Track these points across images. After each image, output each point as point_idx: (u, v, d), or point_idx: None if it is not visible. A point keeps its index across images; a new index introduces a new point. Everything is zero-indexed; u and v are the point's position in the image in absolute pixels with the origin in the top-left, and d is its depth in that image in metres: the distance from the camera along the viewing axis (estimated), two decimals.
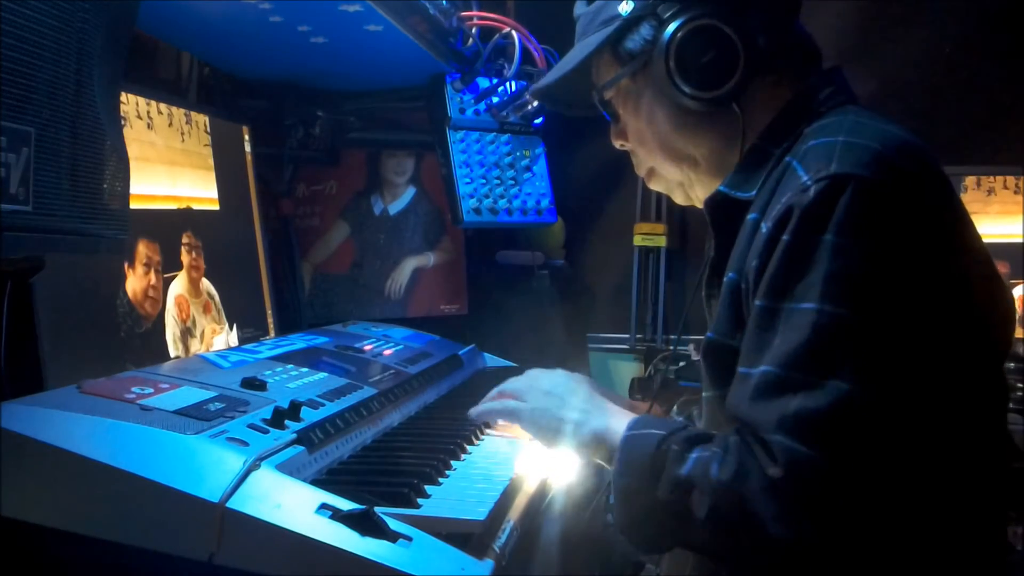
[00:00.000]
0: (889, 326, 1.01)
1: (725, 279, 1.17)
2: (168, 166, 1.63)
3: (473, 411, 1.43)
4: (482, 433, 1.50)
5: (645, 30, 1.25)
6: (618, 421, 1.21)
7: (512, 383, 1.40)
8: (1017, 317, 2.62)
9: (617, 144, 1.40)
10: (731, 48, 1.19)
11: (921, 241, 1.04)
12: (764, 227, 1.09)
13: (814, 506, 0.98)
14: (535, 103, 2.07)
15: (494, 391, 1.43)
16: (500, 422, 1.45)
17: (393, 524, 0.95)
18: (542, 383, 1.36)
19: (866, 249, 1.01)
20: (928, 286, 1.04)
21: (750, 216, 1.16)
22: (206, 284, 1.70)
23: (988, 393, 1.13)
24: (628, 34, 1.26)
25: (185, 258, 1.64)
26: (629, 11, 1.25)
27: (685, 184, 1.34)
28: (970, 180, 2.64)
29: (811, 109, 1.21)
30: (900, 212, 1.04)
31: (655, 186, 1.40)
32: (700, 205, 1.33)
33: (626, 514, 1.12)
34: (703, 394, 1.24)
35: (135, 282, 1.47)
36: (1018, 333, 2.56)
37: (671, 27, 1.21)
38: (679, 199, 1.38)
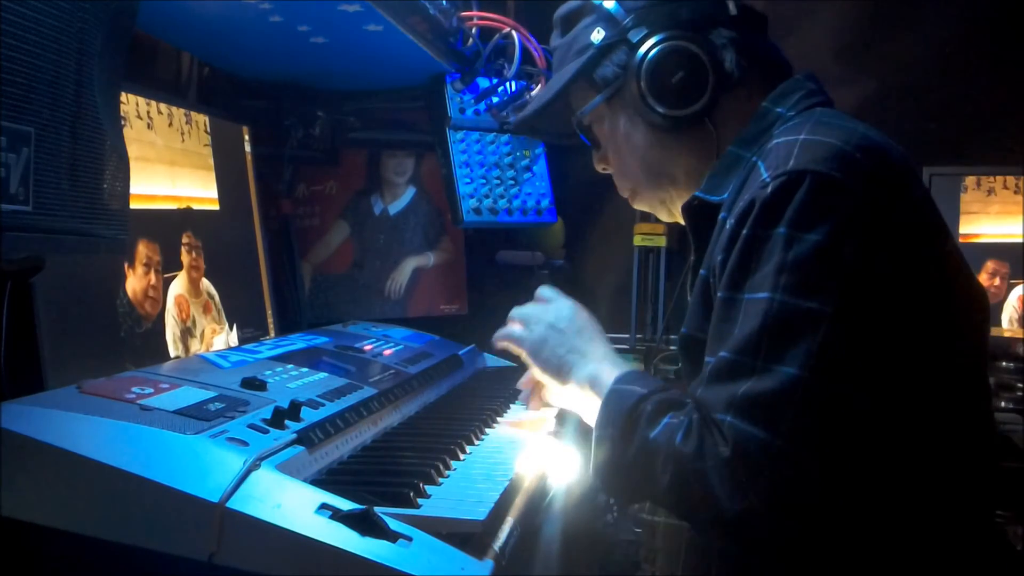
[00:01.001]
0: (839, 315, 1.03)
1: (698, 276, 1.22)
2: (168, 166, 1.63)
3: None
4: (482, 433, 1.50)
5: (618, 56, 1.30)
6: (610, 371, 1.25)
7: (521, 310, 1.42)
8: (1017, 316, 2.63)
9: (599, 168, 1.45)
10: (700, 67, 1.25)
11: (876, 234, 1.06)
12: (728, 223, 1.13)
13: (761, 484, 1.01)
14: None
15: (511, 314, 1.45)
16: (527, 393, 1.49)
17: (393, 524, 0.95)
18: (549, 314, 1.38)
19: (817, 240, 1.04)
20: (883, 278, 1.06)
21: (720, 215, 1.20)
22: (206, 284, 1.70)
23: (962, 387, 1.14)
24: (602, 61, 1.31)
25: (185, 258, 1.64)
26: (601, 39, 1.30)
27: (667, 201, 1.38)
28: (970, 180, 2.64)
29: (780, 114, 1.24)
30: (854, 205, 1.06)
31: (639, 206, 1.44)
32: (683, 221, 1.35)
33: (601, 462, 1.18)
34: (687, 389, 1.25)
35: (135, 282, 1.47)
36: (1018, 333, 2.56)
37: (641, 51, 1.26)
38: (663, 216, 1.43)
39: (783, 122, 1.22)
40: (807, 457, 1.01)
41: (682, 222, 1.35)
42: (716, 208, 1.23)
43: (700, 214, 1.27)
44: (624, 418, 1.14)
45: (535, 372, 1.39)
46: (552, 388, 1.38)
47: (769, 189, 1.07)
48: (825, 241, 1.04)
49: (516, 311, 1.43)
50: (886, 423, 1.06)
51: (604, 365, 1.28)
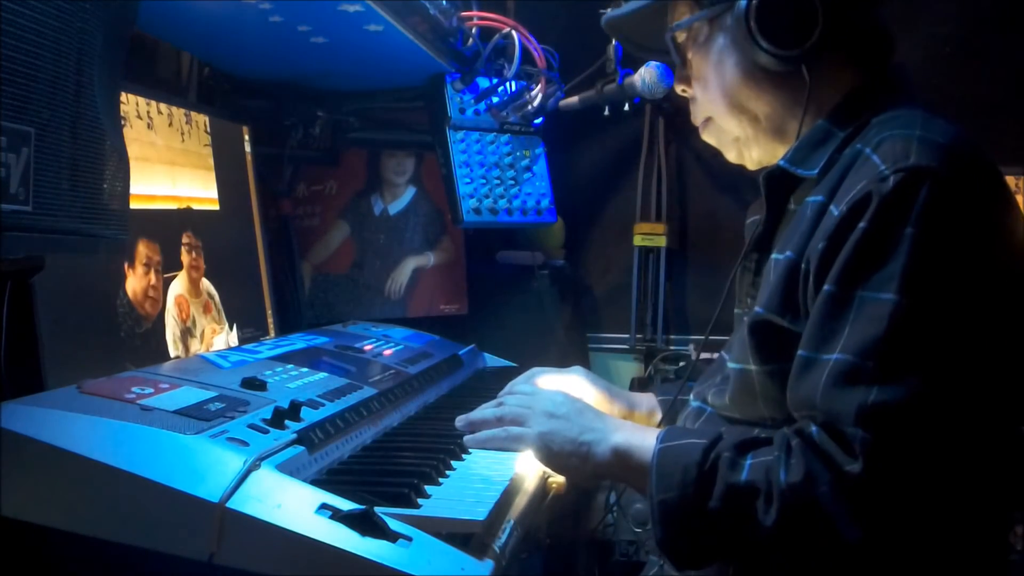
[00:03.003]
0: (962, 322, 1.02)
1: (778, 257, 1.18)
2: (168, 166, 1.63)
3: (470, 439, 1.35)
4: None
5: None
6: (641, 435, 1.21)
7: (510, 408, 1.35)
8: None
9: (679, 89, 1.39)
10: (812, 12, 1.19)
11: (988, 238, 1.06)
12: (835, 210, 1.09)
13: (892, 502, 0.99)
14: (535, 103, 2.08)
15: (488, 412, 1.38)
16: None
17: (393, 524, 0.95)
18: (543, 404, 1.32)
19: (945, 244, 1.03)
20: (993, 282, 1.05)
21: (813, 198, 1.17)
22: (206, 284, 1.70)
23: (1016, 390, 1.13)
24: None
25: (185, 258, 1.64)
26: None
27: (741, 140, 1.33)
28: None
29: (878, 100, 1.21)
30: (973, 208, 1.06)
31: (708, 137, 1.38)
32: (751, 166, 1.33)
33: (669, 530, 1.10)
34: (732, 365, 1.23)
35: (135, 282, 1.47)
36: None
37: None
38: (731, 156, 1.37)
39: (878, 109, 1.20)
40: (935, 476, 1.00)
41: (749, 167, 1.34)
42: (795, 182, 1.22)
43: (779, 184, 1.24)
44: (694, 472, 1.08)
45: (546, 464, 1.29)
46: (571, 477, 1.30)
47: (891, 184, 1.05)
48: (952, 245, 1.03)
49: (506, 410, 1.35)
50: (970, 429, 1.04)
51: (628, 432, 1.23)
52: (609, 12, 1.46)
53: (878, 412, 0.99)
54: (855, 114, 1.21)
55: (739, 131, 1.32)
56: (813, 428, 1.04)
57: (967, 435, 1.03)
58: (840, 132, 1.21)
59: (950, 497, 1.03)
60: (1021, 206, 2.54)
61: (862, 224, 1.05)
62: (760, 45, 1.21)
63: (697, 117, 1.38)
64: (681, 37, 1.34)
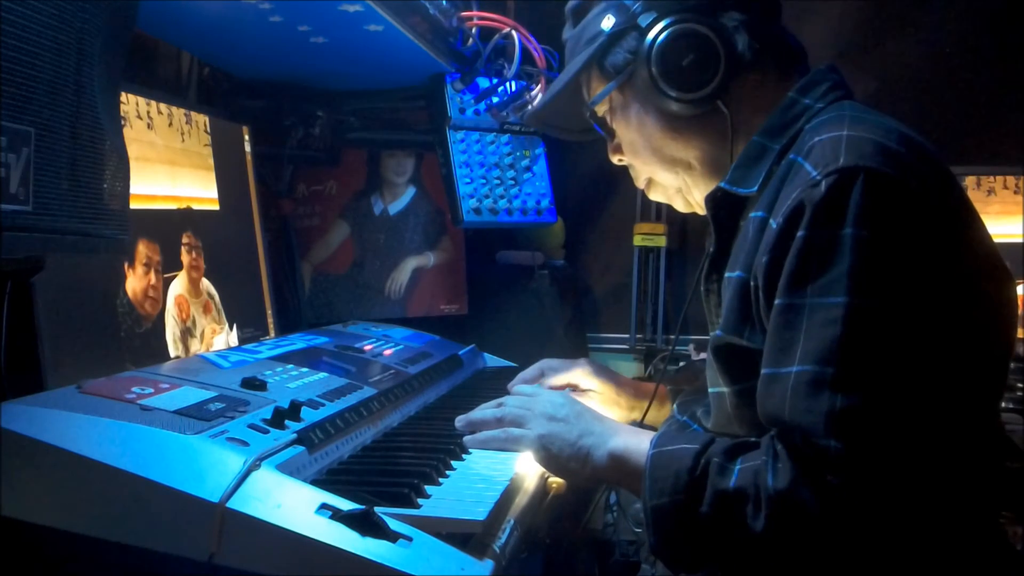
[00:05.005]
0: (916, 314, 1.02)
1: (731, 276, 1.18)
2: (168, 166, 1.63)
3: (470, 439, 1.35)
4: None
5: (628, 43, 1.28)
6: (637, 439, 1.21)
7: (510, 410, 1.35)
8: (1019, 315, 2.63)
9: (615, 159, 1.42)
10: (711, 49, 1.22)
11: (930, 230, 1.05)
12: (773, 223, 1.09)
13: (876, 507, 0.99)
14: (535, 103, 2.07)
15: (488, 413, 1.38)
16: None
17: (393, 524, 0.95)
18: (543, 407, 1.32)
19: (886, 239, 1.03)
20: (940, 274, 1.05)
21: (755, 214, 1.17)
22: (206, 284, 1.70)
23: (984, 385, 1.13)
24: (612, 48, 1.29)
25: (185, 258, 1.64)
26: (612, 26, 1.28)
27: (683, 190, 1.35)
28: (970, 180, 2.64)
29: (808, 106, 1.22)
30: (909, 201, 1.05)
31: (655, 196, 1.41)
32: (701, 211, 1.33)
33: (662, 535, 1.11)
34: (710, 390, 1.24)
35: (135, 282, 1.47)
36: (1019, 333, 2.56)
37: (651, 35, 1.24)
38: (680, 206, 1.40)
39: (811, 114, 1.20)
40: (911, 473, 1.00)
41: (700, 212, 1.33)
42: (740, 201, 1.22)
43: (723, 206, 1.24)
44: (685, 478, 1.08)
45: (544, 466, 1.30)
46: (570, 480, 1.30)
47: (823, 187, 1.04)
48: (893, 239, 1.02)
49: (507, 411, 1.35)
50: (938, 424, 1.04)
51: (625, 436, 1.23)
52: (530, 109, 1.49)
53: (847, 418, 0.99)
54: (787, 125, 1.22)
55: (678, 182, 1.34)
56: (783, 442, 1.04)
57: (939, 427, 1.03)
58: (775, 145, 1.21)
59: (932, 492, 1.03)
60: (1021, 206, 2.57)
61: (801, 232, 1.05)
62: (670, 95, 1.24)
63: (639, 181, 1.40)
64: (602, 111, 1.37)
